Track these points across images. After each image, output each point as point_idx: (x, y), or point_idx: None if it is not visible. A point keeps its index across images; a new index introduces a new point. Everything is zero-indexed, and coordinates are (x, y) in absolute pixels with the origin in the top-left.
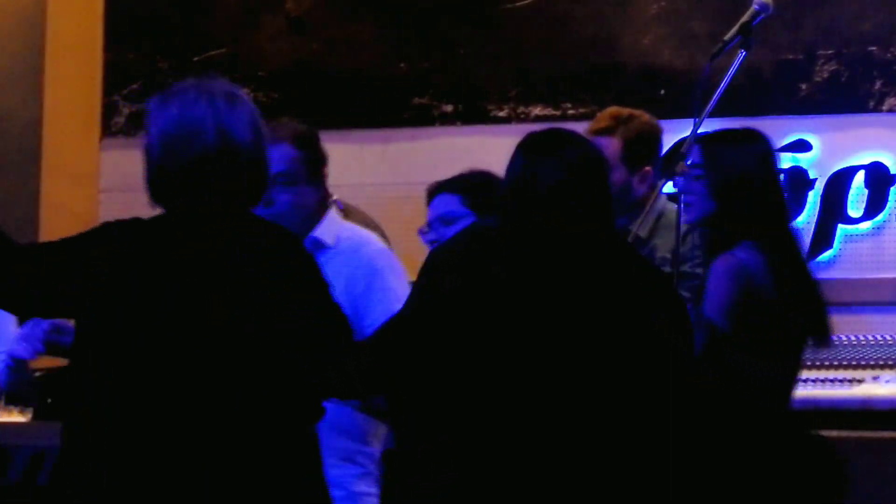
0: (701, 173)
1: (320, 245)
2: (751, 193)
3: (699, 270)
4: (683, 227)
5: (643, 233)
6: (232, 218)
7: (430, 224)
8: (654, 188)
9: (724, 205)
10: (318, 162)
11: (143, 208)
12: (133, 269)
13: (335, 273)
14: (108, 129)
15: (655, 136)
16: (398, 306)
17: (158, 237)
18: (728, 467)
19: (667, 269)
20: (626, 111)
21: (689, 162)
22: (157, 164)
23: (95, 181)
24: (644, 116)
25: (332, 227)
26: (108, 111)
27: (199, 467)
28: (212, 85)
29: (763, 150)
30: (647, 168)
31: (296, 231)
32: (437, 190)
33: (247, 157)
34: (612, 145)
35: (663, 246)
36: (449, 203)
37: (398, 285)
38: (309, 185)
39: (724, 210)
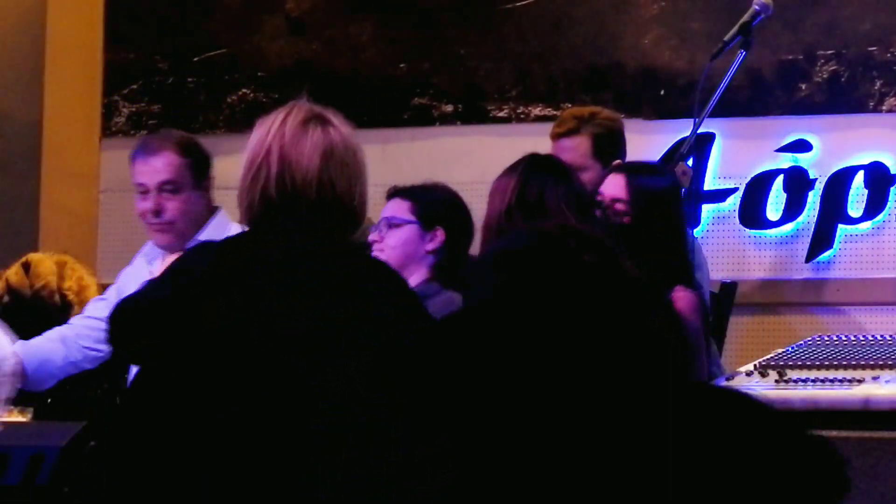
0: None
1: None
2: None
3: None
4: None
5: None
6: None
7: (378, 224)
8: None
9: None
10: (202, 167)
11: None
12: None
13: None
14: (108, 129)
15: (620, 129)
16: None
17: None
18: (725, 466)
19: None
20: (585, 110)
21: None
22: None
23: (95, 181)
24: (605, 111)
25: (219, 230)
26: (108, 111)
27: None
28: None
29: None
30: (619, 161)
31: (183, 236)
32: (393, 193)
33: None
34: (581, 144)
35: None
36: (398, 208)
37: None
38: (195, 191)
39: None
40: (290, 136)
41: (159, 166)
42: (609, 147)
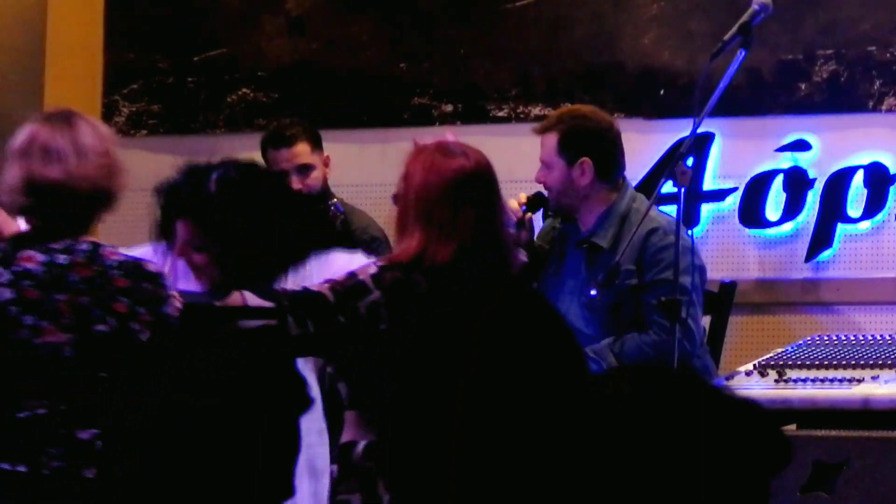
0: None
1: None
2: None
3: (666, 275)
4: (641, 233)
5: (605, 243)
6: None
7: None
8: (612, 185)
9: None
10: None
11: (143, 208)
12: None
13: None
14: None
15: (596, 129)
16: None
17: None
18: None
19: (632, 281)
20: (565, 109)
21: None
22: None
23: None
24: (583, 110)
25: None
26: (108, 111)
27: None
28: None
29: None
30: (585, 159)
31: None
32: None
33: None
34: (549, 141)
35: (626, 256)
36: None
37: None
38: None
39: None
40: None
41: None
42: (575, 144)
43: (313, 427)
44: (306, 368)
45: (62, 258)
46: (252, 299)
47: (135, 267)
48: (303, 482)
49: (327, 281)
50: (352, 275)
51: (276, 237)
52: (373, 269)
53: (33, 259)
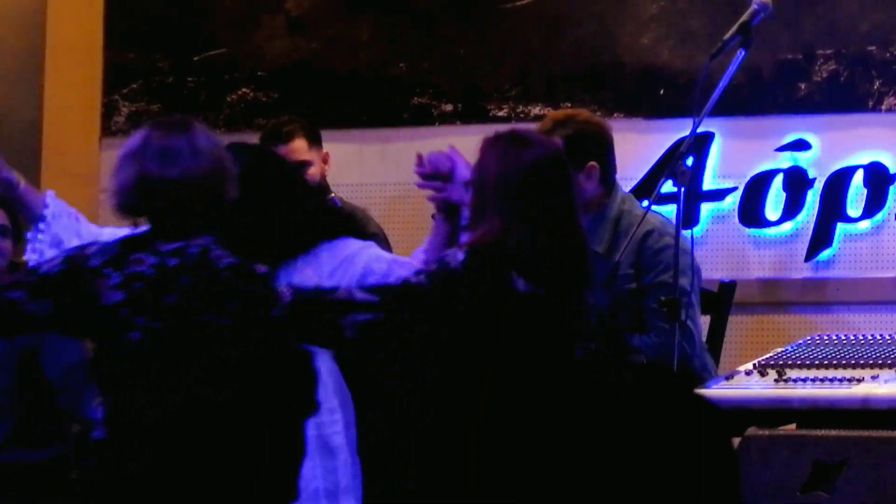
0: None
1: None
2: None
3: (664, 277)
4: (638, 236)
5: (600, 248)
6: None
7: None
8: (607, 189)
9: None
10: None
11: None
12: None
13: None
14: (108, 129)
15: (598, 134)
16: None
17: None
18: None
19: (631, 286)
20: (562, 113)
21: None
22: None
23: (95, 181)
24: (583, 114)
25: None
26: (108, 111)
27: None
28: None
29: None
30: (593, 163)
31: None
32: None
33: None
34: None
35: (624, 260)
36: None
37: None
38: None
39: None
40: None
41: None
42: (581, 149)
43: (324, 406)
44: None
45: (173, 260)
46: (358, 294)
47: (244, 269)
48: (315, 461)
49: (418, 270)
50: (442, 261)
51: (279, 221)
52: (460, 255)
53: (144, 262)
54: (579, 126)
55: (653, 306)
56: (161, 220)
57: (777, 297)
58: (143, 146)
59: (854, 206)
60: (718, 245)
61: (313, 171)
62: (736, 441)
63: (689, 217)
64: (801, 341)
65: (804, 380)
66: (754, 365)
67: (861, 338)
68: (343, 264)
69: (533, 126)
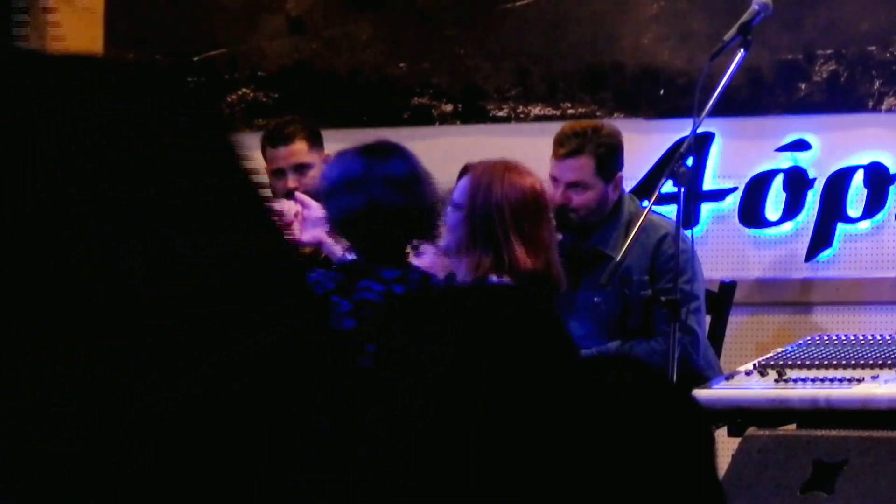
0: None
1: None
2: None
3: (680, 282)
4: (653, 240)
5: (615, 253)
6: None
7: None
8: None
9: None
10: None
11: None
12: None
13: None
14: None
15: (621, 144)
16: None
17: None
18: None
19: (647, 292)
20: (586, 125)
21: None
22: None
23: None
24: (605, 126)
25: None
26: None
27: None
28: None
29: None
30: (619, 175)
31: None
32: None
33: None
34: (586, 165)
35: (637, 266)
36: None
37: None
38: None
39: None
40: None
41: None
42: (612, 165)
43: None
44: None
45: (398, 287)
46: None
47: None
48: None
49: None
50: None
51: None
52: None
53: (372, 289)
54: (607, 140)
55: (662, 311)
56: (382, 246)
57: (777, 297)
58: (366, 173)
59: (854, 207)
60: (718, 245)
61: (313, 174)
62: (736, 441)
63: (689, 217)
64: (801, 341)
65: (804, 380)
66: (754, 365)
67: (861, 338)
68: None
69: (533, 126)
